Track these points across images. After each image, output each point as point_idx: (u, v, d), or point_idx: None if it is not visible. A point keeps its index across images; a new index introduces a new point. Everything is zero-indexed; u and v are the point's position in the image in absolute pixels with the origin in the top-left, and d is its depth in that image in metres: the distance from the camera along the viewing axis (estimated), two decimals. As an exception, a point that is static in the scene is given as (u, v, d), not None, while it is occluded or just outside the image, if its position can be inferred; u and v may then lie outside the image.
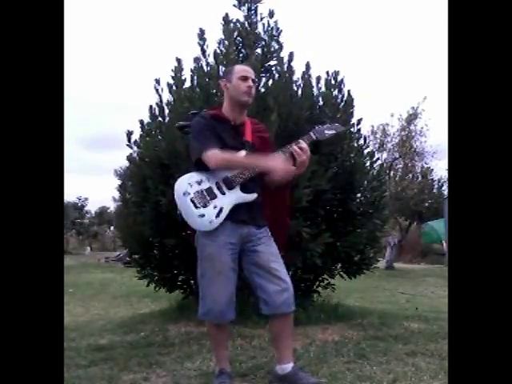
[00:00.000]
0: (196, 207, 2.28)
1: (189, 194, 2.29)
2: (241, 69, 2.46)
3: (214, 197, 2.29)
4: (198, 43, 4.22)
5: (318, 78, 4.21)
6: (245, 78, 2.39)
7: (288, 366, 2.37)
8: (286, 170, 2.28)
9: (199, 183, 2.31)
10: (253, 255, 2.34)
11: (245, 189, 2.33)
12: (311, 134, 2.42)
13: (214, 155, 2.26)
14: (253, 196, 2.34)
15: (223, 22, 4.25)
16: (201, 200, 2.28)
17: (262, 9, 4.38)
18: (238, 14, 4.37)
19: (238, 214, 2.31)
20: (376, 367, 2.68)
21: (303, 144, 2.34)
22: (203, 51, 4.23)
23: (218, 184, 2.31)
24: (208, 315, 2.34)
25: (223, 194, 2.30)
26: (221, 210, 2.28)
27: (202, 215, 2.27)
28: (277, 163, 2.27)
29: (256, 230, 2.36)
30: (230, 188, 2.30)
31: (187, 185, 2.30)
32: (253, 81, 2.42)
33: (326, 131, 2.45)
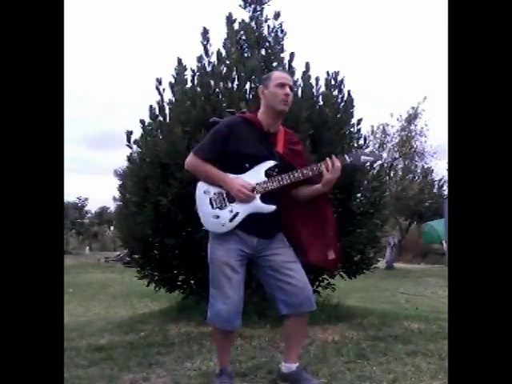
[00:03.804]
0: (212, 207, 2.28)
1: (209, 192, 2.30)
2: (279, 75, 2.38)
3: (232, 201, 2.27)
4: (201, 42, 4.21)
5: (318, 79, 4.21)
6: (282, 85, 2.31)
7: (293, 366, 2.40)
8: (243, 191, 2.21)
9: (222, 185, 2.30)
10: (266, 260, 2.33)
11: (264, 201, 2.28)
12: (346, 156, 2.34)
13: (191, 159, 2.35)
14: (270, 208, 2.28)
15: (226, 22, 4.25)
16: (219, 201, 2.28)
17: (268, 10, 4.39)
18: (243, 15, 4.38)
19: (249, 225, 2.27)
20: (376, 367, 2.68)
21: (337, 162, 2.27)
22: (206, 50, 4.22)
23: None
24: (215, 320, 2.30)
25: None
26: (236, 215, 2.27)
27: (217, 216, 2.27)
28: (235, 182, 2.24)
29: (266, 240, 2.34)
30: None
31: (210, 184, 2.31)
32: (290, 88, 2.34)
33: (363, 157, 2.38)
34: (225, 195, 2.28)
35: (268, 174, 2.30)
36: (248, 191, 2.24)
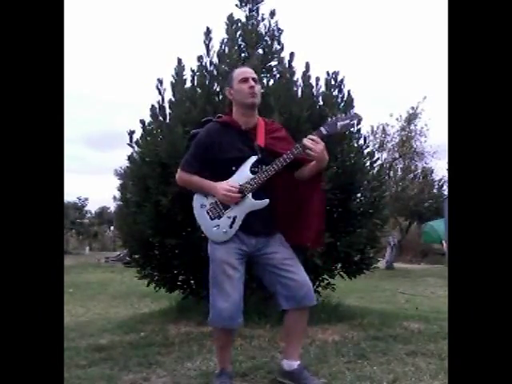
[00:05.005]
0: (211, 219, 2.34)
1: (205, 206, 2.37)
2: (239, 72, 2.43)
3: (227, 207, 2.31)
4: (204, 42, 4.21)
5: (318, 79, 4.21)
6: (245, 80, 2.35)
7: (295, 364, 2.40)
8: (228, 194, 2.25)
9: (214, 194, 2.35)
10: (266, 258, 2.36)
11: (256, 196, 2.31)
12: (321, 128, 2.27)
13: (180, 175, 2.43)
14: (265, 202, 2.31)
15: (227, 22, 4.25)
16: (215, 211, 2.33)
17: (264, 9, 4.39)
18: (239, 14, 4.38)
19: (250, 224, 2.30)
20: (376, 367, 2.68)
21: (312, 136, 2.23)
22: (208, 50, 4.22)
23: None
24: (217, 320, 2.30)
25: (236, 203, 2.30)
26: (234, 220, 2.31)
27: (217, 226, 2.32)
28: (219, 187, 2.28)
29: (265, 238, 2.37)
30: (242, 196, 2.29)
31: (204, 197, 2.37)
32: (254, 80, 2.36)
33: (339, 122, 2.26)
34: (219, 203, 2.33)
35: (253, 170, 2.32)
36: (233, 193, 2.27)
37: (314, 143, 2.21)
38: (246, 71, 2.43)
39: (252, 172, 2.31)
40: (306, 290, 2.33)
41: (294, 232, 2.43)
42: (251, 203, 2.30)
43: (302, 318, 2.40)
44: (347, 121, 2.28)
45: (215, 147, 2.34)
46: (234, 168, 2.32)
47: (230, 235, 2.31)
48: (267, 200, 2.31)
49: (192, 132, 2.56)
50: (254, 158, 2.32)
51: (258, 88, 2.37)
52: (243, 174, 2.31)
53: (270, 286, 2.40)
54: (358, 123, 4.06)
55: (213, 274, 2.33)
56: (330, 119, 2.32)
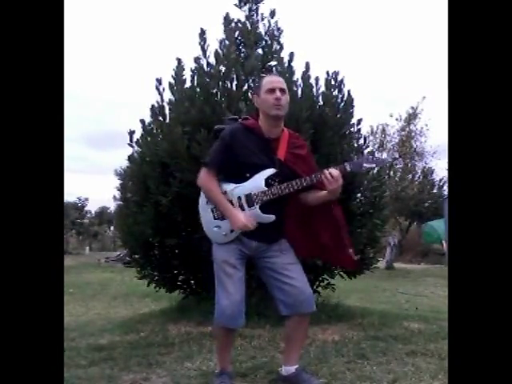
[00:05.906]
0: (214, 218, 2.33)
1: (211, 203, 2.35)
2: (267, 81, 2.34)
3: None
4: (199, 43, 4.21)
5: (317, 79, 4.21)
6: (271, 90, 2.26)
7: (292, 368, 2.40)
8: (247, 222, 2.22)
9: (223, 194, 2.31)
10: (265, 261, 2.36)
11: (264, 209, 2.28)
12: (346, 164, 2.27)
13: (204, 175, 2.33)
14: (270, 218, 2.28)
15: (224, 22, 4.25)
16: (220, 212, 2.32)
17: (263, 9, 4.39)
18: (239, 14, 4.38)
19: (251, 232, 2.28)
20: (376, 367, 2.68)
21: (334, 172, 2.21)
22: (204, 51, 4.22)
23: (239, 199, 2.29)
24: (221, 319, 2.30)
25: (242, 210, 2.29)
26: None
27: (218, 227, 2.32)
28: (238, 218, 2.24)
29: (267, 244, 2.36)
30: (250, 205, 2.28)
31: None
32: (282, 90, 2.28)
33: (365, 164, 2.29)
34: None
35: (268, 182, 2.28)
36: (252, 224, 2.24)
37: (333, 180, 2.19)
38: (274, 81, 2.33)
39: (267, 184, 2.27)
40: (306, 297, 2.31)
41: (302, 245, 2.43)
42: (257, 215, 2.28)
43: (302, 324, 2.39)
44: (373, 165, 2.35)
45: (235, 149, 2.28)
46: (248, 174, 2.28)
47: (229, 239, 2.30)
48: (273, 217, 2.28)
49: (216, 127, 2.49)
50: (271, 171, 2.28)
51: (284, 99, 2.29)
52: (257, 184, 2.28)
53: (270, 290, 2.39)
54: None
55: (216, 274, 2.34)
56: (357, 158, 2.32)
